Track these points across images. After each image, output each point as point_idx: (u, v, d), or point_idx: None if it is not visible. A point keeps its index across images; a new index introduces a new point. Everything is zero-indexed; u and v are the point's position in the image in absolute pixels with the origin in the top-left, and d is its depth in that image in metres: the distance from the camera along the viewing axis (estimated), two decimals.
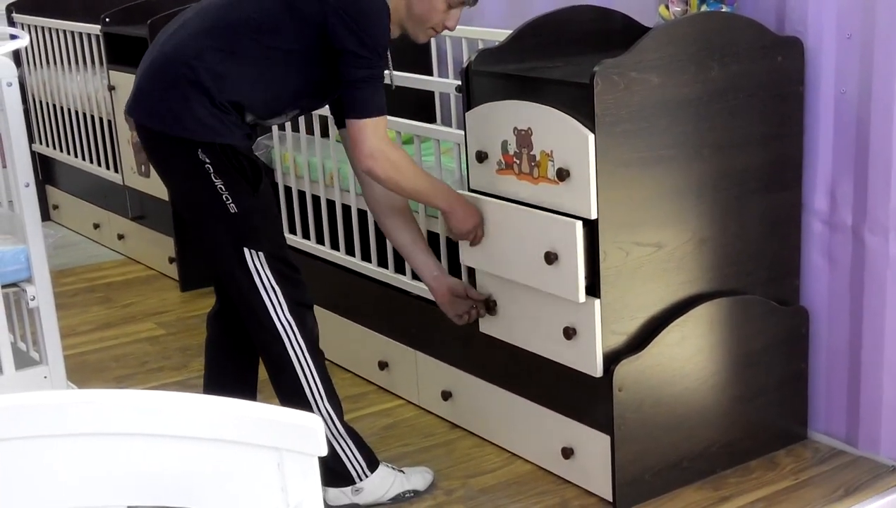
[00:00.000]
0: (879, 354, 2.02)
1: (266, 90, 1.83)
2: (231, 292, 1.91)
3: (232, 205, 1.81)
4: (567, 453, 2.00)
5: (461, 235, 1.96)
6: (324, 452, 0.89)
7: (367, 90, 1.77)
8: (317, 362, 1.92)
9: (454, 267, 2.22)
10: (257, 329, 1.90)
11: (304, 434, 0.88)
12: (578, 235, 1.80)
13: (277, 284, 1.86)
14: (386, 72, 1.89)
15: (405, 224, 2.02)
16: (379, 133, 1.79)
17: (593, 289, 1.84)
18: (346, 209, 2.47)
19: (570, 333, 1.87)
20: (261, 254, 1.85)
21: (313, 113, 2.46)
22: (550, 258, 1.84)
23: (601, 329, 1.84)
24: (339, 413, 1.94)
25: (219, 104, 1.78)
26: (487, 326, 2.06)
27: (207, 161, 1.79)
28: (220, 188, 1.80)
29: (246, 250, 1.84)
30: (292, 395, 1.90)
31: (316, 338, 1.94)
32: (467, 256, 2.04)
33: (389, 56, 1.93)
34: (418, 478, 2.03)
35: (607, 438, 1.90)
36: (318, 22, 1.77)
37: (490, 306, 2.01)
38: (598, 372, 1.86)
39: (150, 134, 1.84)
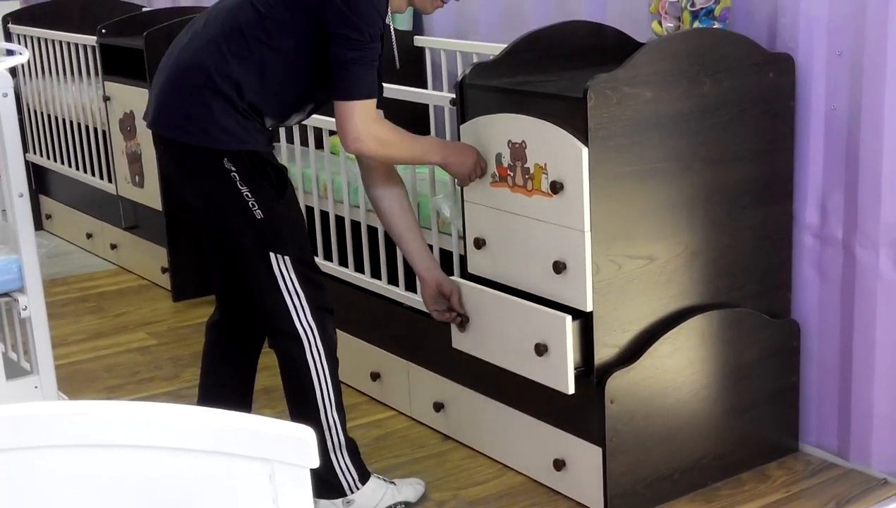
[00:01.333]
0: (870, 367, 2.03)
1: (282, 89, 1.83)
2: (255, 296, 1.90)
3: (258, 211, 1.82)
4: (559, 465, 2.00)
5: (465, 178, 1.95)
6: (316, 464, 0.89)
7: (356, 71, 1.76)
8: (332, 369, 1.91)
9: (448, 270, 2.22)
10: (277, 331, 1.89)
11: (296, 445, 0.88)
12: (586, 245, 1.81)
13: (302, 289, 1.86)
14: (390, 54, 1.88)
15: (402, 212, 2.01)
16: (366, 115, 1.78)
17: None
18: (340, 220, 2.47)
19: (541, 350, 1.87)
20: (287, 258, 1.85)
21: (307, 124, 2.47)
22: (559, 267, 1.84)
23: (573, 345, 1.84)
24: (344, 423, 1.94)
25: (241, 110, 1.79)
26: (460, 343, 2.07)
27: (233, 169, 1.80)
28: (247, 195, 1.81)
29: (272, 255, 1.84)
30: (303, 400, 1.90)
31: (334, 346, 1.92)
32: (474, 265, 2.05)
33: (394, 38, 1.91)
34: (409, 490, 2.03)
35: (599, 450, 1.91)
36: (316, 12, 1.77)
37: (462, 323, 2.02)
38: (569, 388, 1.85)
39: (174, 146, 1.84)
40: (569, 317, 1.83)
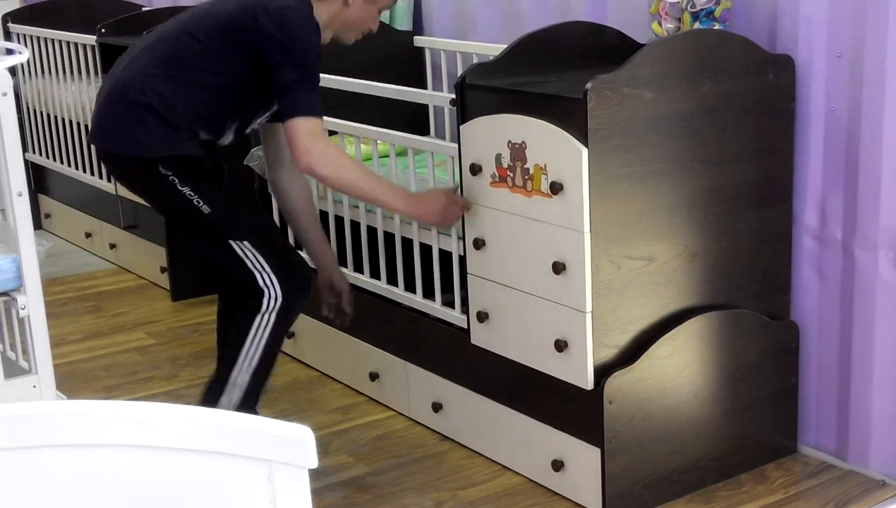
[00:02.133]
0: (869, 368, 2.03)
1: (215, 110, 1.95)
2: (232, 281, 2.02)
3: (204, 207, 1.93)
4: (557, 465, 2.00)
5: (443, 221, 1.99)
6: (314, 464, 0.89)
7: (298, 92, 1.84)
8: (271, 342, 1.99)
9: (448, 279, 2.22)
10: (249, 296, 1.98)
11: (295, 446, 0.88)
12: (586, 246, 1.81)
13: (270, 266, 1.96)
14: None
15: (306, 204, 2.17)
16: (313, 131, 1.84)
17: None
18: (339, 220, 2.47)
19: (561, 345, 1.88)
20: (246, 242, 1.95)
21: None
22: (558, 268, 1.84)
23: (592, 341, 1.85)
24: (251, 395, 2.00)
25: (172, 124, 1.91)
26: (479, 339, 2.07)
27: (170, 173, 1.91)
28: (189, 194, 1.92)
29: (231, 243, 1.95)
30: (230, 346, 2.00)
31: (288, 324, 2.02)
32: (473, 266, 2.05)
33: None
34: None
35: (597, 451, 1.91)
36: (254, 45, 1.89)
37: (343, 323, 2.20)
38: (588, 384, 1.87)
39: (112, 158, 1.99)
40: (589, 314, 1.82)
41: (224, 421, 0.88)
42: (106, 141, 1.98)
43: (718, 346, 1.99)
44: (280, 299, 1.97)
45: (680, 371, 1.95)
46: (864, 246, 2.00)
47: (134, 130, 1.92)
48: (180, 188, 1.92)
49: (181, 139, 1.91)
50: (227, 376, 2.01)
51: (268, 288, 1.96)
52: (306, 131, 1.83)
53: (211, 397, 2.04)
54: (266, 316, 1.98)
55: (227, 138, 2.03)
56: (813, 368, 2.13)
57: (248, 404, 2.02)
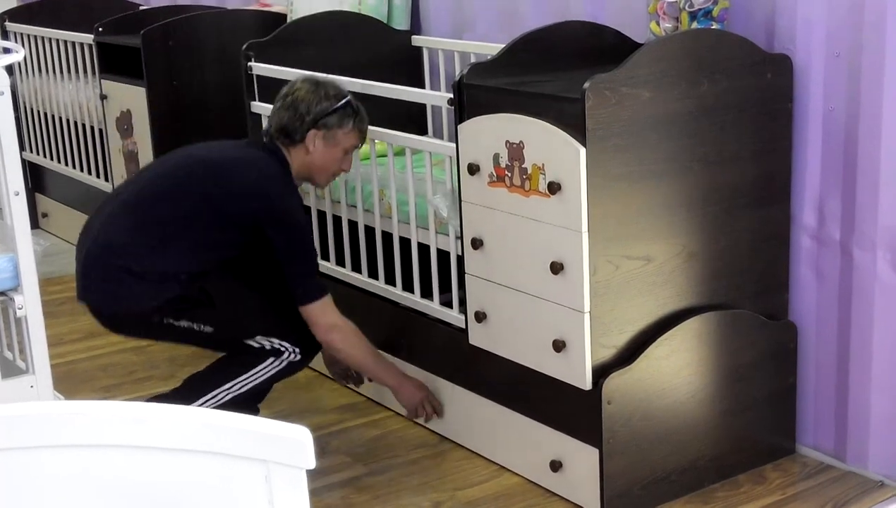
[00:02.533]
0: (867, 369, 2.03)
1: (196, 263, 2.05)
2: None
3: (206, 328, 2.04)
4: (555, 466, 2.00)
5: (412, 410, 2.17)
6: (312, 465, 0.89)
7: (307, 281, 2.05)
8: (282, 373, 2.12)
9: (446, 279, 2.22)
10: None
11: (292, 446, 0.88)
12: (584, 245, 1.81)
13: (285, 340, 2.11)
14: None
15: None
16: (328, 309, 2.07)
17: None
18: (338, 220, 2.47)
19: (559, 346, 1.88)
20: (257, 336, 2.09)
21: None
22: (556, 268, 1.84)
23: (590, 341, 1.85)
24: (235, 405, 2.07)
25: (155, 279, 2.01)
26: (477, 340, 2.07)
27: (162, 318, 2.03)
28: (187, 326, 2.04)
29: (245, 342, 2.09)
30: (225, 367, 2.10)
31: (300, 368, 2.16)
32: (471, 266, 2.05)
33: None
34: None
35: (596, 451, 1.91)
36: (246, 224, 2.03)
37: (357, 382, 2.32)
38: (587, 384, 1.87)
39: (102, 315, 2.08)
40: (587, 314, 1.82)
41: (221, 421, 0.88)
42: (93, 299, 2.07)
43: (716, 346, 1.99)
44: (299, 356, 2.13)
45: (678, 371, 1.95)
46: (862, 246, 2.00)
47: (117, 291, 2.01)
48: (177, 324, 2.03)
49: (166, 288, 2.01)
50: (210, 389, 2.07)
51: (288, 351, 2.12)
52: (323, 311, 2.05)
53: (183, 395, 2.08)
54: (280, 363, 2.11)
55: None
56: (811, 368, 2.13)
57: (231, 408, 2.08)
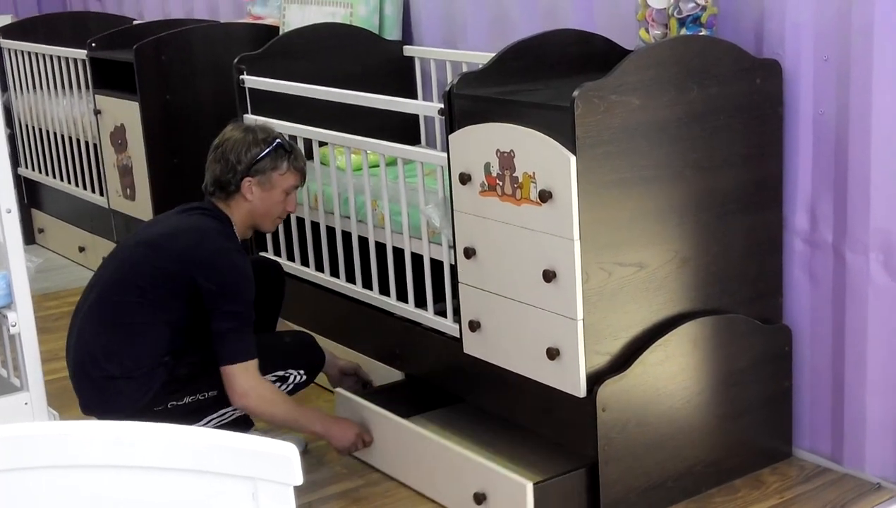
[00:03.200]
0: (862, 371, 2.03)
1: (176, 345, 2.04)
2: None
3: (210, 393, 2.04)
4: None
5: (345, 450, 2.12)
6: (299, 481, 0.89)
7: (235, 339, 1.99)
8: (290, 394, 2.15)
9: (439, 289, 2.22)
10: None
11: (279, 463, 0.88)
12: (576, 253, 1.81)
13: (286, 368, 2.14)
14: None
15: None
16: (249, 373, 2.00)
17: None
18: (331, 231, 2.47)
19: (553, 353, 1.88)
20: (265, 375, 2.08)
21: (298, 137, 2.47)
22: (549, 276, 1.84)
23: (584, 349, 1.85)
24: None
25: (142, 374, 2.02)
26: (472, 348, 2.07)
27: (165, 404, 2.03)
28: (191, 400, 2.05)
29: (269, 368, 2.11)
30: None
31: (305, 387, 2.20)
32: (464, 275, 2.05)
33: None
34: None
35: (592, 458, 1.90)
36: (194, 293, 2.01)
37: (367, 385, 2.31)
38: (581, 392, 1.86)
39: (111, 419, 2.11)
40: (580, 321, 1.82)
41: (208, 439, 0.88)
42: (95, 414, 2.08)
43: (711, 352, 1.99)
44: (304, 377, 2.17)
45: (673, 377, 1.95)
46: (854, 249, 2.01)
47: (111, 399, 2.02)
48: (182, 403, 2.04)
49: (154, 377, 2.02)
50: (218, 408, 2.07)
51: (294, 374, 2.15)
52: (242, 375, 1.98)
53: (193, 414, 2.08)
54: (286, 386, 2.16)
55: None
56: (806, 372, 2.13)
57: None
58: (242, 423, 2.18)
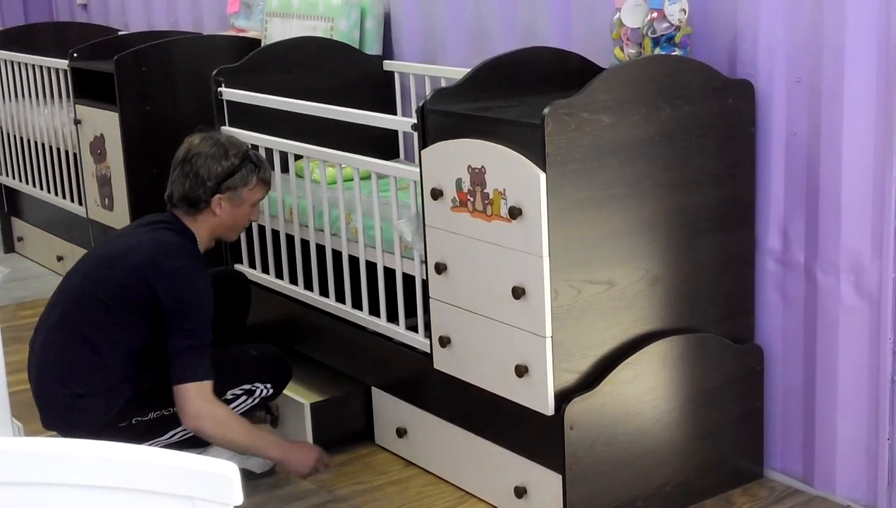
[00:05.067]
0: (833, 392, 2.03)
1: (138, 359, 2.02)
2: None
3: (173, 409, 2.00)
4: (520, 492, 1.99)
5: (305, 475, 2.09)
6: (239, 501, 0.88)
7: (189, 357, 1.96)
8: (255, 406, 2.16)
9: (412, 304, 2.21)
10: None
11: (218, 482, 0.87)
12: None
13: (253, 381, 2.15)
14: None
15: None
16: (202, 394, 1.96)
17: None
18: (305, 244, 2.46)
19: (521, 371, 1.87)
20: (228, 393, 2.09)
21: (273, 149, 2.47)
22: (518, 293, 1.84)
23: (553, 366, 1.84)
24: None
25: (106, 390, 1.99)
26: (441, 364, 2.06)
27: (130, 419, 2.00)
28: (154, 416, 2.02)
29: (227, 388, 2.10)
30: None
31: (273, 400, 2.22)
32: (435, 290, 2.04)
33: None
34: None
35: (559, 477, 1.89)
36: (156, 308, 1.98)
37: (273, 418, 2.30)
38: (549, 410, 1.86)
39: (75, 437, 2.12)
40: (549, 339, 1.81)
41: (145, 457, 0.87)
42: (61, 428, 2.06)
43: (682, 371, 1.99)
44: (271, 391, 2.16)
45: (642, 396, 1.95)
46: (826, 269, 2.01)
47: (76, 418, 2.00)
48: (145, 419, 2.02)
49: (118, 394, 2.00)
50: (174, 429, 2.06)
51: (260, 388, 2.15)
52: (196, 395, 1.95)
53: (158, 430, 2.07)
54: (252, 399, 2.13)
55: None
56: (778, 392, 2.13)
57: (188, 446, 2.06)
58: (202, 443, 2.15)
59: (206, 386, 1.96)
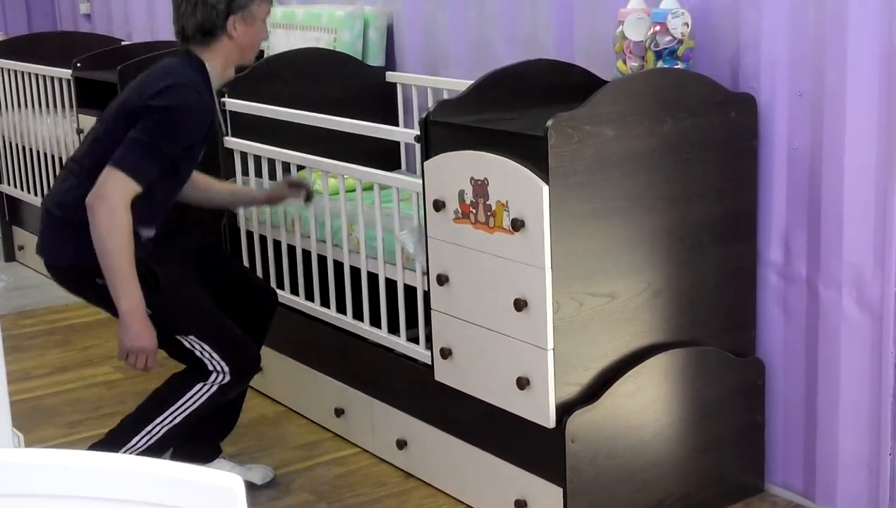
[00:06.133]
0: (835, 406, 2.03)
1: (143, 207, 1.96)
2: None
3: (146, 310, 1.95)
4: (520, 505, 1.98)
5: (122, 353, 1.97)
6: None
7: (134, 149, 1.90)
8: (191, 417, 2.02)
9: (412, 316, 2.21)
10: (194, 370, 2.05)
11: (224, 495, 0.86)
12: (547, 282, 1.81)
13: (216, 352, 2.02)
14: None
15: (217, 188, 2.29)
16: (121, 188, 1.89)
17: None
18: (307, 255, 2.46)
19: (523, 383, 1.87)
20: (191, 336, 2.02)
21: (275, 159, 2.47)
22: (520, 305, 1.83)
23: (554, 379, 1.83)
24: (170, 439, 2.03)
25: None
26: (443, 376, 2.05)
27: (103, 282, 1.93)
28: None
29: (177, 337, 2.00)
30: (155, 401, 2.03)
31: (233, 391, 2.06)
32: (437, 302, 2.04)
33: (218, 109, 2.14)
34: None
35: (560, 490, 1.89)
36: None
37: (309, 196, 2.27)
38: (550, 422, 1.85)
39: (52, 268, 2.08)
40: (551, 351, 1.81)
41: (148, 468, 0.86)
42: (46, 253, 2.06)
43: (683, 384, 1.98)
44: (228, 377, 2.03)
45: (644, 409, 1.94)
46: (827, 283, 2.01)
47: (64, 244, 1.99)
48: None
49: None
50: (144, 424, 2.02)
51: (217, 371, 2.02)
52: (116, 185, 1.89)
53: (118, 437, 2.03)
54: (208, 387, 2.03)
55: (158, 222, 2.06)
56: (779, 406, 2.12)
57: (154, 454, 2.02)
58: (204, 456, 2.14)
59: (130, 185, 1.88)
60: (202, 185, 2.24)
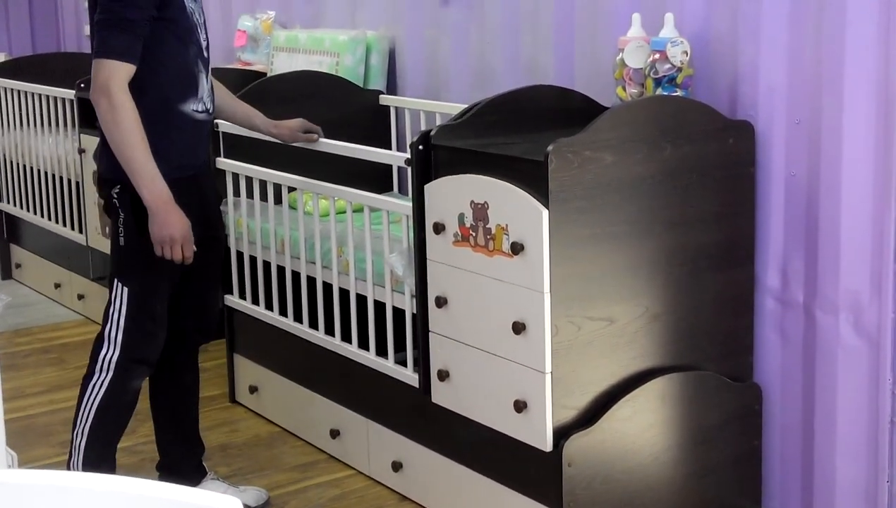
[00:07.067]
0: (832, 432, 2.03)
1: (168, 80, 1.94)
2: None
3: (122, 237, 1.97)
4: None
5: (157, 245, 1.90)
6: None
7: (102, 33, 1.85)
8: (97, 422, 1.97)
9: (401, 338, 2.21)
10: (91, 353, 2.02)
11: None
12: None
13: (124, 327, 1.97)
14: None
15: (237, 105, 2.28)
16: (111, 73, 1.84)
17: None
18: (296, 276, 2.46)
19: (520, 406, 1.86)
20: (125, 289, 1.96)
21: (267, 180, 2.47)
22: (518, 328, 1.84)
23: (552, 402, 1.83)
24: (98, 445, 2.00)
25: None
26: (440, 398, 2.05)
27: (115, 195, 1.96)
28: (121, 222, 1.97)
29: (115, 281, 1.98)
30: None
31: (117, 401, 1.99)
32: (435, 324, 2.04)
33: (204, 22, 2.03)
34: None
35: None
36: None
37: (319, 133, 2.28)
38: (547, 446, 1.85)
39: (97, 177, 2.11)
40: (549, 375, 1.81)
41: (146, 490, 0.86)
42: (98, 165, 2.07)
43: (680, 408, 1.98)
44: (118, 353, 1.95)
45: (641, 433, 1.94)
46: (825, 308, 2.02)
47: (102, 152, 1.98)
48: (120, 212, 1.97)
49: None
50: (71, 440, 2.01)
51: (109, 341, 1.96)
52: (108, 73, 1.84)
53: (72, 449, 2.02)
54: (94, 393, 1.98)
55: (204, 90, 2.00)
56: (776, 431, 2.12)
57: (95, 461, 1.99)
58: (192, 475, 2.12)
59: (122, 67, 1.83)
60: (219, 93, 2.19)
